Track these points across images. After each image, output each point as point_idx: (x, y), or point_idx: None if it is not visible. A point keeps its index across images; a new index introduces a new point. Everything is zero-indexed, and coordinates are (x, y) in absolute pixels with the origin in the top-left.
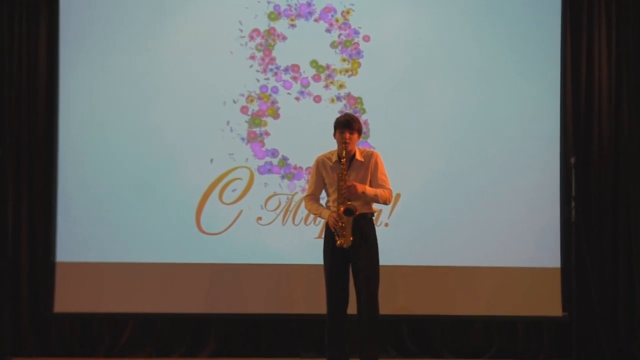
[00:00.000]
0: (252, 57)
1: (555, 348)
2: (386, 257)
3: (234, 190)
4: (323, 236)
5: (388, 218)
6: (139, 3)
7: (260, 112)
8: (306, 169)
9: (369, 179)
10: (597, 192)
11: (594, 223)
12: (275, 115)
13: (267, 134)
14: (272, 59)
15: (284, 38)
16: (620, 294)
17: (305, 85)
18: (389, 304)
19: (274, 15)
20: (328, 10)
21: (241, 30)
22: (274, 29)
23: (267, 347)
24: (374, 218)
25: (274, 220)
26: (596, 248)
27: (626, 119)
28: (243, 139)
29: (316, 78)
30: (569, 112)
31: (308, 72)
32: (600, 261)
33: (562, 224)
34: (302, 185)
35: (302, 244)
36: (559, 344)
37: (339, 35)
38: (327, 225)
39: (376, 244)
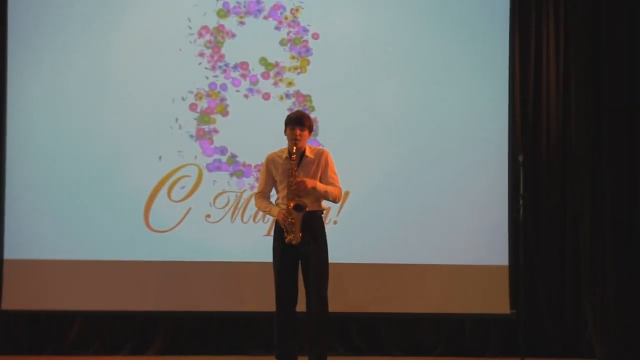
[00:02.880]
0: (201, 55)
1: (503, 345)
2: (335, 254)
3: (182, 188)
4: (272, 233)
5: (337, 215)
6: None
7: (209, 109)
8: (255, 166)
9: (319, 176)
10: (545, 189)
11: (542, 221)
12: (224, 113)
13: (215, 131)
14: (221, 56)
15: (233, 35)
16: (567, 291)
17: (254, 82)
18: (337, 302)
19: (223, 13)
20: (277, 7)
21: (190, 28)
22: (222, 26)
23: (216, 345)
24: (323, 215)
25: (222, 218)
26: (544, 245)
27: (574, 116)
28: (192, 136)
29: (265, 75)
30: (517, 111)
31: (257, 69)
32: (548, 259)
33: (511, 222)
34: (250, 183)
35: (251, 241)
36: (506, 341)
37: (288, 33)
38: (276, 223)
39: (325, 241)
